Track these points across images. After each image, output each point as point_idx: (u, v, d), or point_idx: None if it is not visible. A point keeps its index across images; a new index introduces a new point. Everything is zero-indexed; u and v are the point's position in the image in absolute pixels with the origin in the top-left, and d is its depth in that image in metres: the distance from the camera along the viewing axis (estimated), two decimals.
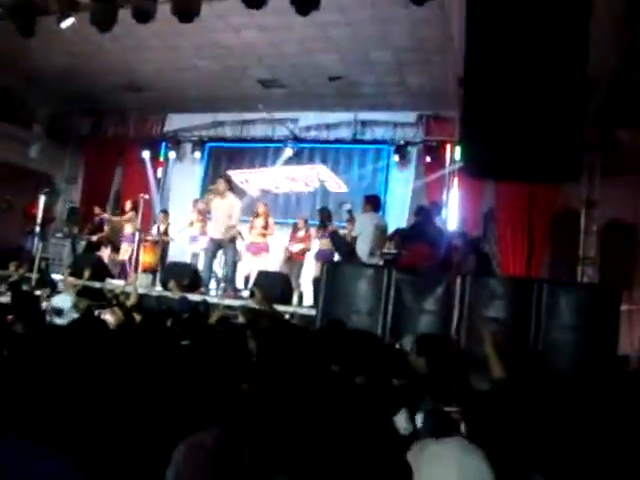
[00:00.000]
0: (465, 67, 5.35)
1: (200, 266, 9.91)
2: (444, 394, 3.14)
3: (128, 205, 12.05)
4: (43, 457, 1.54)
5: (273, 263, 11.08)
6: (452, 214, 11.64)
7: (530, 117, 6.26)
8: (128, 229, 11.87)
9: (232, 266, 9.41)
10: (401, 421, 2.74)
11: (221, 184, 9.39)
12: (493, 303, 6.42)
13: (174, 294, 7.03)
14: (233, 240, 9.40)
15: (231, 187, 9.62)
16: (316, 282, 9.66)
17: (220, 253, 9.50)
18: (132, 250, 11.60)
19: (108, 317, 4.50)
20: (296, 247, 10.80)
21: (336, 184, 12.73)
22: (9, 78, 12.56)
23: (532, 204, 10.88)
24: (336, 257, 9.58)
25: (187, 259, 11.23)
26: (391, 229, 9.15)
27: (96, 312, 4.92)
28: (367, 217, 8.27)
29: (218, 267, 9.92)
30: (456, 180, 11.79)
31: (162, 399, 2.36)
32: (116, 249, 12.02)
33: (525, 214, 11.01)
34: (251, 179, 13.44)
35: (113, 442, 1.83)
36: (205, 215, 10.96)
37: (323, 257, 9.78)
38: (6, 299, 5.49)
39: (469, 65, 5.33)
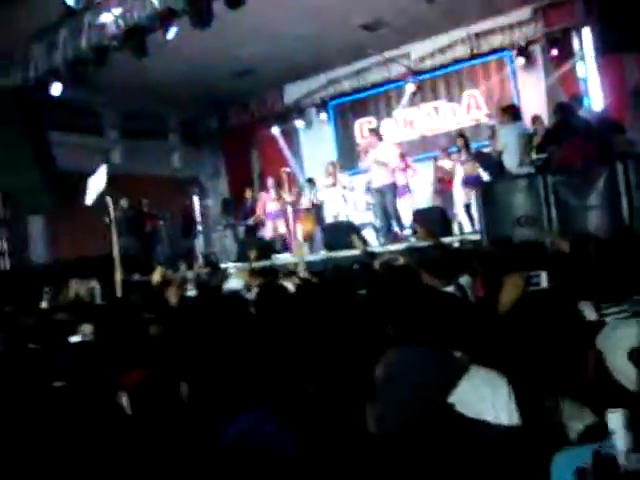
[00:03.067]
0: None
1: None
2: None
3: (270, 182, 12.51)
4: (243, 413, 1.75)
5: (423, 199, 11.14)
6: (596, 101, 10.93)
7: None
8: (271, 206, 12.36)
9: (394, 211, 9.69)
10: (588, 312, 2.83)
11: (371, 137, 9.87)
12: None
13: (358, 248, 7.23)
14: (393, 185, 9.63)
15: (380, 136, 9.94)
16: (467, 208, 9.63)
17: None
18: (277, 226, 12.18)
19: (287, 284, 4.75)
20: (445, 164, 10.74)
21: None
22: (139, 99, 13.43)
23: None
24: (485, 177, 9.41)
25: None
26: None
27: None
28: (508, 128, 8.01)
29: (373, 217, 10.17)
30: (591, 64, 11.03)
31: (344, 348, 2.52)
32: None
33: None
34: (382, 127, 13.47)
35: (302, 394, 1.99)
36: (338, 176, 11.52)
37: (471, 182, 9.64)
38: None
39: None
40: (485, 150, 9.88)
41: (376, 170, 9.63)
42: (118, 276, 7.51)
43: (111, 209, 7.97)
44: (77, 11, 8.97)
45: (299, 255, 7.55)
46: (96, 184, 7.76)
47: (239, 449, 1.62)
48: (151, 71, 11.38)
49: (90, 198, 7.82)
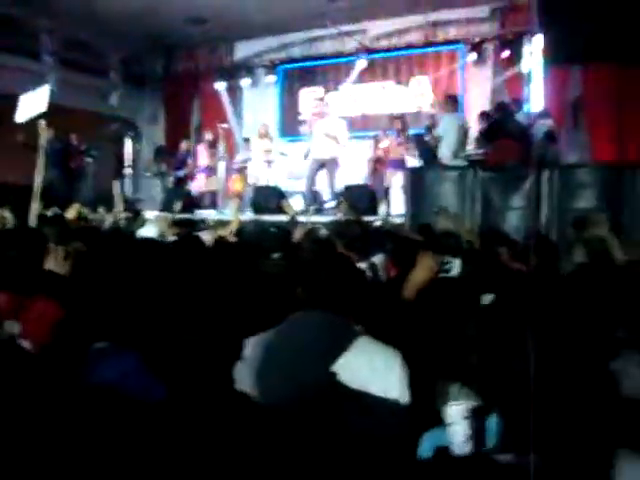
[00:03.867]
0: None
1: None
2: None
3: (208, 136, 12.29)
4: (114, 356, 1.71)
5: (358, 177, 11.21)
6: (536, 107, 11.18)
7: None
8: (204, 161, 12.16)
9: (333, 185, 9.83)
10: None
11: (319, 106, 9.99)
12: (583, 193, 6.26)
13: (288, 214, 7.19)
14: (336, 160, 9.65)
15: (327, 107, 10.07)
16: (386, 190, 9.77)
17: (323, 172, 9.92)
18: (208, 182, 12.05)
19: (205, 236, 4.68)
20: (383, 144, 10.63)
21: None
22: (79, 30, 12.88)
23: (625, 86, 10.24)
24: (411, 162, 9.54)
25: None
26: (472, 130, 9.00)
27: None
28: (450, 117, 8.11)
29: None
30: (538, 71, 11.27)
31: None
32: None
33: (616, 97, 10.42)
34: (327, 99, 13.44)
35: (180, 345, 1.96)
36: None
37: (394, 166, 9.74)
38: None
39: None
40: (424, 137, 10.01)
41: (323, 141, 9.61)
42: (34, 207, 7.13)
43: (43, 135, 7.48)
44: None
45: (235, 215, 7.39)
46: (33, 104, 7.22)
47: (105, 392, 1.57)
48: (99, 1, 10.92)
49: (22, 116, 7.28)
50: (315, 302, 2.22)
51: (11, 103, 7.88)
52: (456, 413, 1.73)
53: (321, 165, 9.80)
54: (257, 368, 1.98)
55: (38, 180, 7.00)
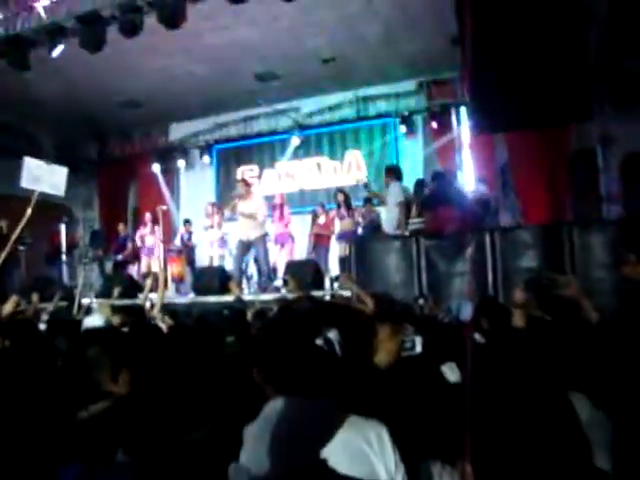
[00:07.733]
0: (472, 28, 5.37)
1: (228, 267, 10.06)
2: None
3: (147, 217, 12.15)
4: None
5: (299, 252, 11.19)
6: (467, 175, 11.57)
7: (532, 64, 6.26)
8: (149, 242, 11.99)
9: (267, 262, 9.59)
10: (450, 373, 2.90)
11: (241, 187, 9.63)
12: (525, 253, 6.42)
13: (233, 294, 7.07)
14: (264, 237, 9.54)
15: (249, 187, 9.81)
16: (342, 261, 9.75)
17: (251, 252, 9.77)
18: (150, 263, 11.88)
19: (160, 324, 4.55)
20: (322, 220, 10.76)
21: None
22: (11, 115, 12.70)
23: (546, 150, 10.72)
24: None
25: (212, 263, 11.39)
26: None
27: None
28: (394, 188, 8.28)
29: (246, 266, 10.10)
30: (466, 140, 11.71)
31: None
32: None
33: (540, 161, 10.87)
34: (263, 177, 13.59)
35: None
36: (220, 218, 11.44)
37: (347, 237, 9.81)
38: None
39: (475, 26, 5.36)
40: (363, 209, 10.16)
41: (243, 222, 9.52)
42: None
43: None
44: None
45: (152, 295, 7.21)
46: (45, 178, 6.69)
47: None
48: (29, 85, 10.78)
49: (29, 183, 6.67)
50: (275, 383, 2.14)
51: None
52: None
53: (247, 246, 9.63)
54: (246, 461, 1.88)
55: None
